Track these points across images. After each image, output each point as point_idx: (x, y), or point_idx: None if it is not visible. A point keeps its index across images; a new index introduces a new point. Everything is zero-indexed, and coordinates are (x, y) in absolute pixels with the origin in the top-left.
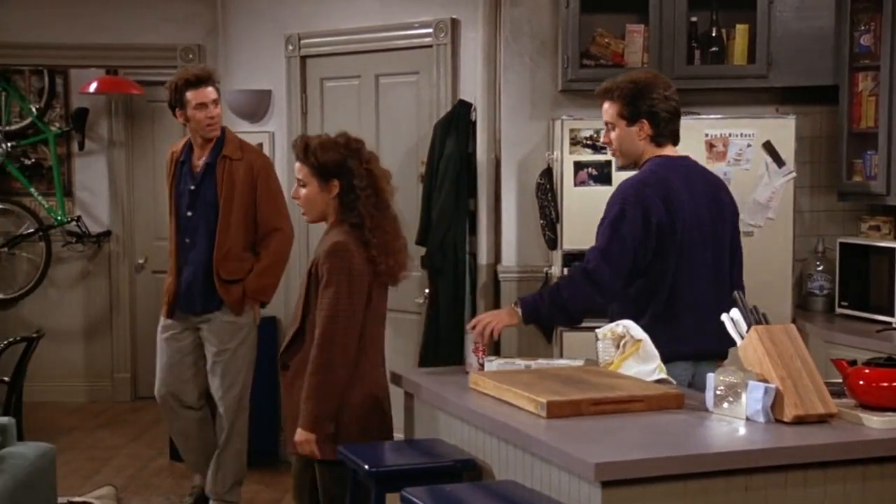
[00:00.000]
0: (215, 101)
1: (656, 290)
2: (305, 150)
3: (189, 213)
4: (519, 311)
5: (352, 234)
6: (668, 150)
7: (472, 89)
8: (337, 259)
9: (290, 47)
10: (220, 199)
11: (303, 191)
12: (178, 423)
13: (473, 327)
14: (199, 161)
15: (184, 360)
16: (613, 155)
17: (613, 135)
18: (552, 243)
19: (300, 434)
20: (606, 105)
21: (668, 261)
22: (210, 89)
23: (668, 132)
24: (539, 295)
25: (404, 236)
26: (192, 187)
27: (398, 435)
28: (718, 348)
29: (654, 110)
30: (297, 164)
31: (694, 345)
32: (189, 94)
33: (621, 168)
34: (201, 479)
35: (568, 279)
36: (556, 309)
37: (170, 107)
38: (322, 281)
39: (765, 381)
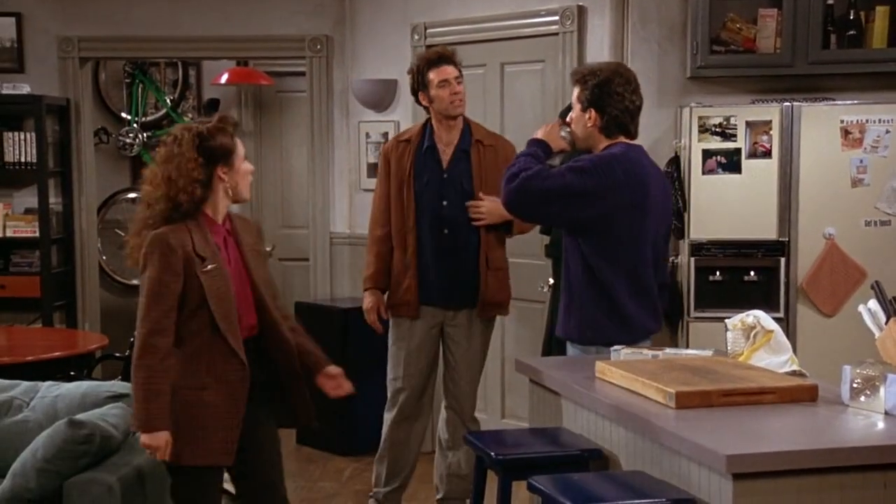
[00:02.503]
0: (457, 79)
1: (616, 271)
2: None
3: (445, 203)
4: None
5: None
6: (621, 142)
7: None
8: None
9: (416, 36)
10: (474, 185)
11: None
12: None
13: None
14: (449, 147)
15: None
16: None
17: (573, 115)
18: (679, 232)
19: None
20: (574, 87)
21: (629, 242)
22: (451, 67)
23: (615, 126)
24: (538, 154)
25: None
26: (445, 175)
27: (519, 423)
28: (650, 333)
29: (602, 103)
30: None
31: (630, 333)
32: (431, 74)
33: (582, 150)
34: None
35: (531, 163)
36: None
37: (413, 93)
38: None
39: None
